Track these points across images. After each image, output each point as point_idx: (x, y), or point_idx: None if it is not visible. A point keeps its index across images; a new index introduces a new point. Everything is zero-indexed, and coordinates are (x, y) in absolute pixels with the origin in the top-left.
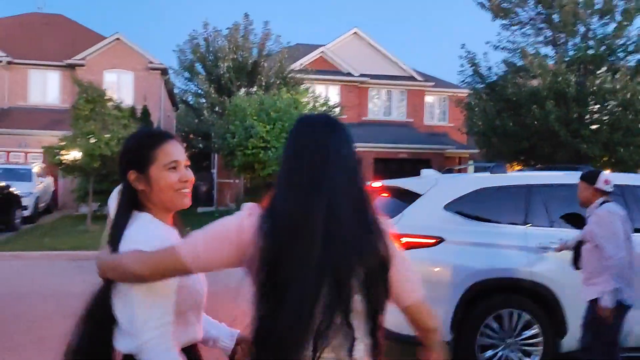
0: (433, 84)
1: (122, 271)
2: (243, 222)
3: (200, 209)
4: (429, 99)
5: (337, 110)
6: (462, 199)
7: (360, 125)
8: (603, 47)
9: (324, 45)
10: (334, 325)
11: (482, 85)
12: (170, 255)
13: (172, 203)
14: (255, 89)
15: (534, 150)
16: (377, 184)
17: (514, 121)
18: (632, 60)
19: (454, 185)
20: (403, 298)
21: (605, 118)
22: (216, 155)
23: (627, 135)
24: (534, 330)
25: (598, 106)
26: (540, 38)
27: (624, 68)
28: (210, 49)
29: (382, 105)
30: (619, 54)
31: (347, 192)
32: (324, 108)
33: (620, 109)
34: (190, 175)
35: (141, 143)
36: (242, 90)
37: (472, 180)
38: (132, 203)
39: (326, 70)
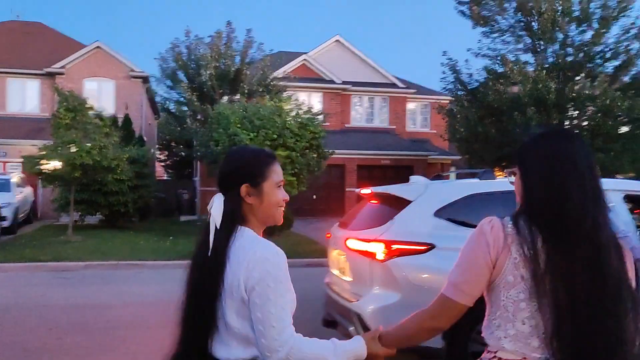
0: (415, 90)
1: (425, 335)
2: (487, 238)
3: (183, 218)
4: (410, 105)
5: (321, 117)
6: (452, 206)
7: (343, 132)
8: (581, 54)
9: (307, 52)
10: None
11: (463, 92)
12: (445, 303)
13: (273, 218)
14: (238, 96)
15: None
16: (366, 190)
17: (496, 127)
18: (609, 67)
19: (444, 192)
20: None
21: (585, 124)
22: (199, 163)
23: (607, 141)
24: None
25: (577, 112)
26: (520, 45)
27: (602, 75)
28: (192, 57)
29: (364, 112)
30: (597, 61)
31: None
32: (308, 115)
33: (599, 115)
34: (286, 195)
35: (259, 159)
36: (225, 98)
37: (462, 187)
38: (238, 217)
39: (309, 77)
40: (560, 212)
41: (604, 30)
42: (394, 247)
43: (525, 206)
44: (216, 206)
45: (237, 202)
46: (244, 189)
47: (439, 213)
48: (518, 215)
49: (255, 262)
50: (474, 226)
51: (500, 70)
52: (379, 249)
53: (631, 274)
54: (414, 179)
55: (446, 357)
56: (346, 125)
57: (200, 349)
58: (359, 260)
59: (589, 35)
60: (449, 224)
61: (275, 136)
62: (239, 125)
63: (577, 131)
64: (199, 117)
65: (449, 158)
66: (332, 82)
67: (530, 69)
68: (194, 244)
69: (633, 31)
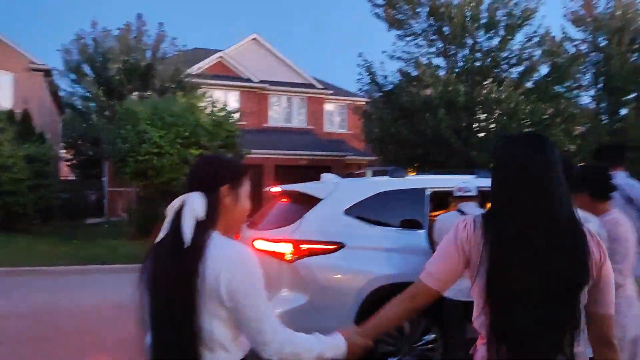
0: (332, 92)
1: (403, 314)
2: (459, 234)
3: (89, 220)
4: (328, 106)
5: (236, 115)
6: (362, 204)
7: (260, 132)
8: (489, 60)
9: (223, 50)
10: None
11: (379, 94)
12: (420, 286)
13: (238, 227)
14: (149, 92)
15: (428, 156)
16: (275, 188)
17: (409, 129)
18: (514, 73)
19: (354, 190)
20: (600, 304)
21: (492, 126)
22: (107, 163)
23: None
24: (433, 335)
25: (485, 115)
26: (433, 49)
27: (508, 80)
28: (99, 50)
29: (282, 112)
30: (503, 66)
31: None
32: (223, 113)
33: (505, 118)
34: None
35: (238, 165)
36: (135, 93)
37: (372, 185)
38: (214, 219)
39: (225, 75)
40: (512, 212)
41: (509, 37)
42: (303, 246)
43: (492, 204)
44: (197, 202)
45: (217, 202)
46: (224, 190)
47: (349, 211)
48: (488, 214)
49: (237, 263)
50: (385, 224)
51: (414, 73)
52: (287, 249)
53: (596, 268)
54: (325, 177)
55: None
56: (264, 125)
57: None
58: (267, 261)
59: (496, 41)
60: (359, 222)
61: (187, 134)
62: (148, 122)
63: (485, 133)
64: (106, 113)
65: (365, 158)
66: (249, 80)
67: (442, 72)
68: (156, 236)
69: (535, 39)
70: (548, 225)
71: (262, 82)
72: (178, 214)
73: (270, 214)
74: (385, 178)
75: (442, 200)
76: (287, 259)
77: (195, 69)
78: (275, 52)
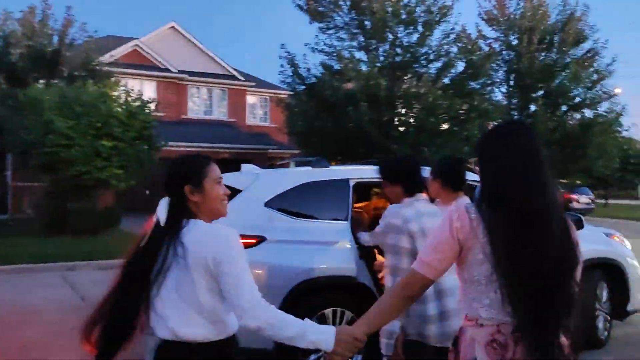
0: (254, 84)
1: (399, 304)
2: (454, 223)
3: None
4: (251, 99)
5: (152, 106)
6: (283, 195)
7: (180, 123)
8: (408, 55)
9: (139, 38)
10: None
11: (302, 87)
12: (414, 275)
13: (218, 211)
14: (56, 80)
15: (350, 150)
16: None
17: (332, 122)
18: (433, 68)
19: (275, 181)
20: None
21: (412, 121)
22: (10, 155)
23: (431, 137)
24: None
25: (405, 110)
26: (355, 43)
27: (427, 75)
28: (0, 34)
29: (202, 103)
30: (422, 62)
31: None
32: (138, 103)
33: (424, 112)
34: (227, 190)
35: (197, 162)
36: (41, 81)
37: (294, 175)
38: (184, 213)
39: (142, 64)
40: (513, 200)
41: (427, 33)
42: None
43: (483, 192)
44: (162, 208)
45: (181, 200)
46: (187, 189)
47: (270, 203)
48: (480, 201)
49: (219, 239)
50: (307, 216)
51: (337, 66)
52: None
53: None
54: (245, 167)
55: (277, 356)
56: (183, 117)
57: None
58: None
59: (415, 37)
60: (281, 214)
61: (99, 124)
62: (55, 112)
63: (405, 127)
64: (9, 102)
65: (288, 152)
66: (167, 70)
67: (363, 66)
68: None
69: (452, 36)
70: (546, 211)
71: (181, 72)
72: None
73: None
74: (308, 169)
75: (367, 191)
76: None
77: (108, 57)
78: (195, 41)
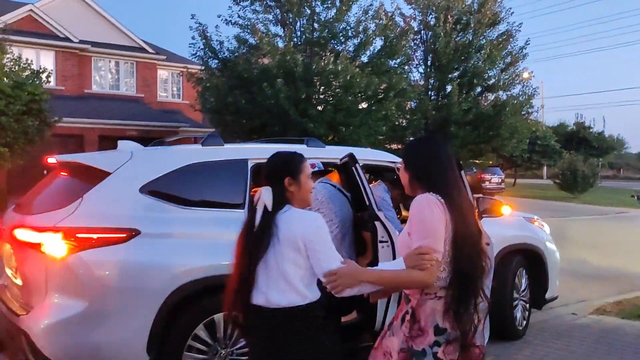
0: (165, 57)
1: (408, 284)
2: (440, 208)
3: None
4: (162, 73)
5: (44, 76)
6: (164, 179)
7: (82, 98)
8: (326, 31)
9: (34, 3)
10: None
11: (215, 61)
12: (434, 265)
13: (308, 201)
14: None
15: (265, 128)
16: (51, 159)
17: (246, 99)
18: (351, 45)
19: (155, 161)
20: None
21: (330, 99)
22: None
23: (348, 116)
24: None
25: (323, 88)
26: (271, 16)
27: (345, 52)
28: None
29: (108, 77)
30: (340, 38)
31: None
32: (27, 73)
33: (341, 90)
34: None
35: (297, 158)
36: None
37: (178, 155)
38: (284, 200)
39: (37, 32)
40: (455, 195)
41: (345, 8)
42: (79, 236)
43: (432, 186)
44: (266, 194)
45: (282, 190)
46: (287, 181)
47: (146, 188)
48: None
49: (309, 221)
50: (194, 204)
51: (252, 40)
52: (55, 240)
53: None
54: (122, 144)
55: None
56: (86, 91)
57: (244, 295)
58: (31, 256)
59: (333, 12)
60: (160, 202)
61: None
62: None
63: (323, 105)
64: None
65: (202, 130)
66: (67, 39)
67: (280, 42)
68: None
69: (371, 12)
70: (470, 202)
71: (82, 42)
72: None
73: (44, 193)
74: (197, 147)
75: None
76: (56, 253)
77: None
78: (99, 9)
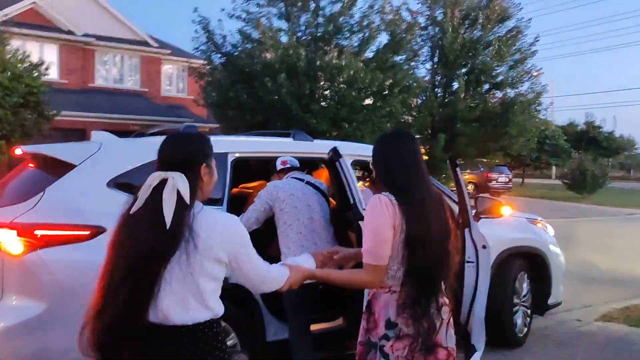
0: (170, 51)
1: (352, 283)
2: (388, 210)
3: None
4: (167, 68)
5: (43, 69)
6: (135, 172)
7: (86, 92)
8: (331, 26)
9: None
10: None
11: (218, 55)
12: (376, 269)
13: (209, 194)
14: None
15: (268, 124)
16: (18, 150)
17: (248, 94)
18: (356, 40)
19: (126, 154)
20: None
21: (333, 95)
22: None
23: (352, 112)
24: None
25: (327, 83)
26: (275, 10)
27: (350, 47)
28: None
29: (112, 71)
30: (345, 33)
31: None
32: (25, 65)
33: (345, 86)
34: None
35: (209, 142)
36: None
37: (152, 147)
38: (195, 194)
39: (41, 25)
40: (416, 191)
41: (351, 2)
42: (38, 233)
43: (390, 186)
44: (182, 183)
45: (197, 180)
46: (203, 169)
47: (115, 182)
48: (396, 193)
49: (231, 230)
50: None
51: (254, 34)
52: (11, 237)
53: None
54: (95, 135)
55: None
56: (90, 85)
57: (139, 313)
58: None
59: (338, 7)
60: (128, 197)
61: None
62: None
63: (327, 101)
64: None
65: (206, 125)
66: (71, 33)
67: (284, 37)
68: (128, 210)
69: (377, 7)
70: (438, 200)
71: (86, 35)
72: (156, 192)
73: (9, 187)
74: None
75: (251, 168)
76: (12, 251)
77: (1, 15)
78: (103, 2)
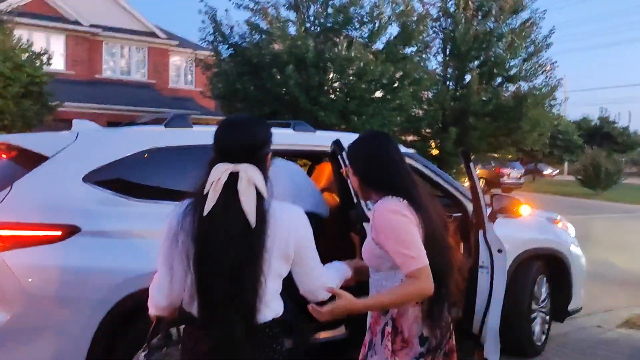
0: (177, 43)
1: (411, 298)
2: (410, 211)
3: None
4: (175, 60)
5: (45, 58)
6: (115, 166)
7: (92, 83)
8: (341, 16)
9: None
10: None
11: (226, 46)
12: (425, 271)
13: None
14: None
15: (276, 116)
16: None
17: (255, 85)
18: (366, 31)
19: (106, 145)
20: None
21: (342, 87)
22: None
23: (361, 105)
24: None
25: (336, 75)
26: (283, 0)
27: (359, 38)
28: None
29: (119, 62)
30: (355, 24)
31: None
32: (27, 54)
33: (354, 78)
34: None
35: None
36: None
37: (136, 138)
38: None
39: (47, 15)
40: (416, 194)
41: None
42: (3, 233)
43: (390, 189)
44: (256, 175)
45: (266, 170)
46: (269, 157)
47: (92, 177)
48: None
49: (299, 223)
50: (150, 197)
51: (262, 24)
52: None
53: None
54: (77, 123)
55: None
56: (97, 76)
57: (251, 323)
58: None
59: None
60: (108, 194)
61: None
62: None
63: (336, 93)
64: None
65: (214, 118)
66: (77, 23)
67: (292, 29)
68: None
69: None
70: (429, 196)
71: (93, 26)
72: (229, 187)
73: None
74: (158, 129)
75: None
76: None
77: (6, 5)
78: None
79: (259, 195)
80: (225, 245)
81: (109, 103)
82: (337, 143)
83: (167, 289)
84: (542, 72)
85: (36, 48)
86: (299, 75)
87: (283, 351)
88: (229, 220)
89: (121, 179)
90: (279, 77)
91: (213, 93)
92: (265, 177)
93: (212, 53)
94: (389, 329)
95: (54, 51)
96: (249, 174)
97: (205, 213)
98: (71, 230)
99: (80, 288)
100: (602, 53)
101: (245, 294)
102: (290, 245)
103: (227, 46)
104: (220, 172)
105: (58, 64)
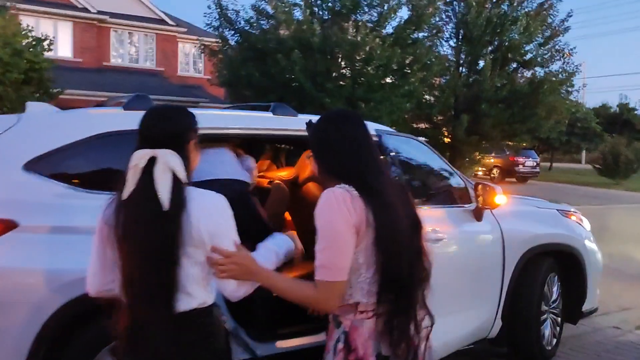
0: (186, 30)
1: (299, 299)
2: (347, 208)
3: None
4: (184, 47)
5: (46, 44)
6: (63, 153)
7: (100, 71)
8: (348, 1)
9: None
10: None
11: (232, 32)
12: (331, 287)
13: (192, 176)
14: None
15: (281, 103)
16: None
17: (260, 71)
18: (375, 14)
19: (52, 129)
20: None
21: (349, 73)
22: None
23: (369, 91)
24: None
25: (343, 61)
26: None
27: (366, 22)
28: None
29: (127, 50)
30: (363, 7)
31: None
32: (29, 40)
33: (361, 64)
34: None
35: (195, 117)
36: None
37: (88, 121)
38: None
39: (54, 2)
40: (375, 182)
41: None
42: None
43: (343, 176)
44: (174, 160)
45: (187, 157)
46: (192, 145)
47: (35, 165)
48: (356, 185)
49: (214, 211)
50: (102, 187)
51: (268, 9)
52: None
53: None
54: (30, 106)
55: None
56: (105, 64)
57: (170, 308)
58: None
59: None
60: (53, 184)
61: None
62: None
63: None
64: None
65: (223, 106)
66: (85, 10)
67: (298, 11)
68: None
69: None
70: (398, 189)
71: (100, 12)
72: (147, 172)
73: None
74: (115, 111)
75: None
76: None
77: None
78: None
79: (177, 181)
80: (142, 229)
81: (117, 91)
82: (309, 125)
83: (99, 274)
84: (560, 58)
85: (44, 35)
86: (305, 61)
87: (215, 343)
88: (144, 204)
89: (70, 167)
90: (284, 63)
91: (219, 80)
92: (187, 164)
93: (217, 39)
94: (340, 345)
95: (60, 38)
96: (166, 159)
97: (123, 198)
98: (7, 226)
99: (16, 290)
100: (622, 38)
101: (160, 278)
102: (202, 233)
103: (232, 32)
104: (139, 158)
105: (65, 51)
